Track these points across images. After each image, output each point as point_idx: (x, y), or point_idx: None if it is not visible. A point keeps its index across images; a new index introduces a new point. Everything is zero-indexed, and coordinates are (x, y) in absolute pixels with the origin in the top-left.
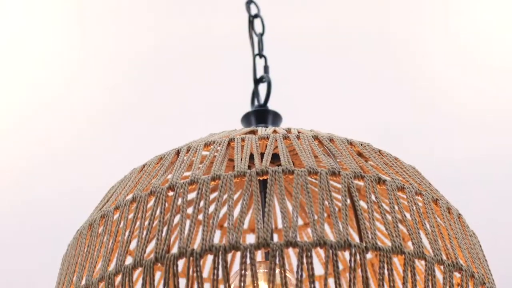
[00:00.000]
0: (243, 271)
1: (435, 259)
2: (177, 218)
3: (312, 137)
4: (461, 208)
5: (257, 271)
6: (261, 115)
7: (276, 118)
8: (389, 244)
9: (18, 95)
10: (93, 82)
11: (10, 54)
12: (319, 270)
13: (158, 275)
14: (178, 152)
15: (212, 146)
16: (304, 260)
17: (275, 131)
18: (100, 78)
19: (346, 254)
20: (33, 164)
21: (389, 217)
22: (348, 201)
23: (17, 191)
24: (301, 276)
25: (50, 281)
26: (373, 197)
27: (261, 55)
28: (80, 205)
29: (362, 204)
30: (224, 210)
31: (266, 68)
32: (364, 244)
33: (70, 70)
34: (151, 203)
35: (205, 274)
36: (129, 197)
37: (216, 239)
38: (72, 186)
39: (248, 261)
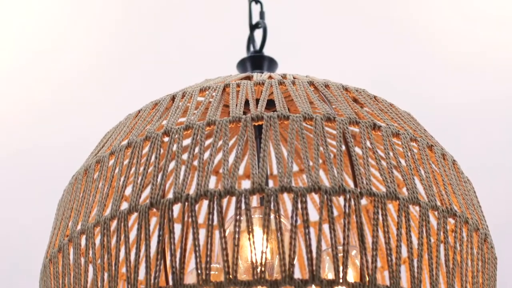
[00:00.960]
0: (238, 217)
1: (429, 205)
2: (172, 164)
3: (308, 83)
4: (456, 155)
5: (252, 216)
6: (256, 61)
7: (271, 64)
8: (384, 190)
9: (16, 43)
10: (91, 30)
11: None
12: (313, 216)
13: (153, 221)
14: (173, 98)
15: (207, 92)
16: (299, 206)
17: (270, 77)
18: (98, 25)
19: (341, 200)
20: (31, 114)
21: (384, 163)
22: (343, 147)
23: (15, 141)
24: (296, 221)
25: (47, 228)
26: (368, 143)
27: (257, 0)
28: (78, 153)
29: (357, 150)
30: (219, 156)
31: (262, 14)
32: (359, 190)
33: (68, 17)
34: (146, 149)
35: (200, 220)
36: (124, 142)
37: (211, 185)
38: (70, 135)
39: (243, 206)
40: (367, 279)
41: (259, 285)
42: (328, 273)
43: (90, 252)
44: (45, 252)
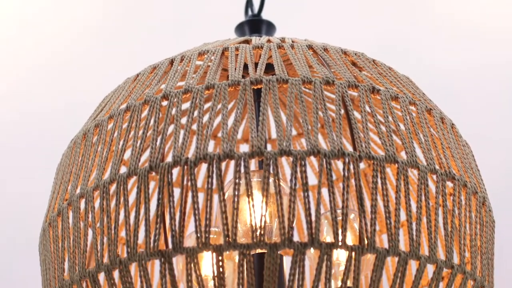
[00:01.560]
0: (237, 180)
1: (428, 168)
2: (171, 128)
3: (306, 46)
4: (454, 119)
5: (251, 180)
6: (255, 25)
7: (270, 28)
8: (383, 153)
9: (14, 3)
10: None
11: None
12: (312, 180)
13: (152, 185)
14: (172, 62)
15: (206, 56)
16: (298, 169)
17: (269, 41)
18: None
19: (340, 164)
20: (27, 76)
21: (383, 127)
22: (342, 111)
23: (11, 105)
24: (295, 185)
25: (46, 192)
26: (367, 107)
27: None
28: (77, 118)
29: (356, 114)
30: (218, 120)
31: None
32: (358, 153)
33: None
34: (145, 113)
35: (199, 184)
36: (123, 106)
37: (210, 149)
38: (67, 98)
39: (242, 170)
40: (366, 242)
41: (258, 248)
42: (326, 237)
43: (90, 215)
44: (44, 216)
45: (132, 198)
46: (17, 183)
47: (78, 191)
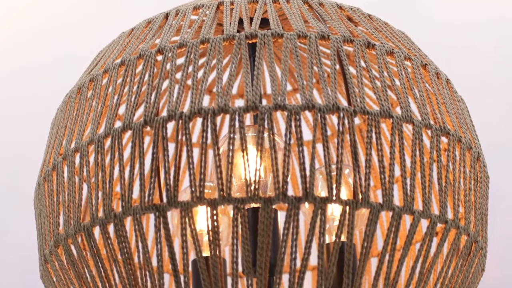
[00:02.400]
0: (232, 135)
1: (422, 123)
2: (165, 83)
3: (302, 1)
4: (450, 75)
5: (246, 134)
6: None
7: None
8: (377, 109)
9: None
10: None
11: None
12: (307, 135)
13: (147, 141)
14: (166, 16)
15: (201, 10)
16: (293, 124)
17: None
18: None
19: (335, 120)
20: (23, 31)
21: (378, 82)
22: (337, 66)
23: (6, 60)
24: (289, 139)
25: (41, 148)
26: (362, 62)
27: None
28: (72, 72)
29: (351, 69)
30: (213, 75)
31: None
32: (353, 108)
33: None
34: (139, 68)
35: (194, 139)
36: (118, 61)
37: (205, 105)
38: (64, 54)
39: (237, 124)
40: (360, 197)
41: (253, 202)
42: (321, 192)
43: (84, 170)
44: (39, 171)
45: (127, 153)
46: (11, 138)
47: (73, 145)
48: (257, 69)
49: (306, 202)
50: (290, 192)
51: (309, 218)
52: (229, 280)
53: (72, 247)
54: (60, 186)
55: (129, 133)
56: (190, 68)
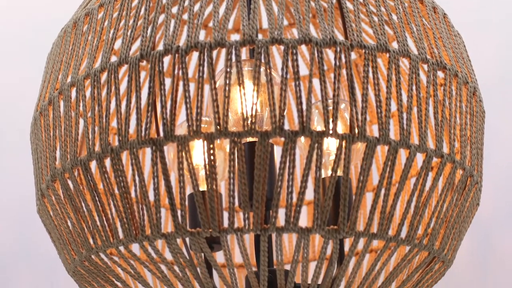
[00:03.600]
0: (228, 69)
1: (419, 58)
2: (162, 18)
3: None
4: (446, 9)
5: (242, 68)
6: None
7: None
8: (374, 43)
9: None
10: None
11: None
12: (304, 71)
13: (143, 76)
14: None
15: None
16: (289, 58)
17: None
18: None
19: (331, 55)
20: None
21: (375, 17)
22: (334, 0)
23: None
24: (286, 73)
25: (37, 83)
26: None
27: None
28: (66, 6)
29: (348, 4)
30: (209, 9)
31: None
32: (349, 42)
33: None
34: (135, 2)
35: (190, 74)
36: None
37: (201, 39)
38: None
39: (233, 58)
40: (356, 131)
41: (249, 136)
42: (317, 127)
43: (81, 104)
44: (35, 105)
45: (123, 88)
46: (7, 74)
47: (69, 80)
48: (254, 3)
49: (303, 136)
50: (287, 127)
51: (305, 152)
52: (225, 214)
53: (69, 182)
54: (56, 120)
55: (125, 67)
56: (187, 2)
